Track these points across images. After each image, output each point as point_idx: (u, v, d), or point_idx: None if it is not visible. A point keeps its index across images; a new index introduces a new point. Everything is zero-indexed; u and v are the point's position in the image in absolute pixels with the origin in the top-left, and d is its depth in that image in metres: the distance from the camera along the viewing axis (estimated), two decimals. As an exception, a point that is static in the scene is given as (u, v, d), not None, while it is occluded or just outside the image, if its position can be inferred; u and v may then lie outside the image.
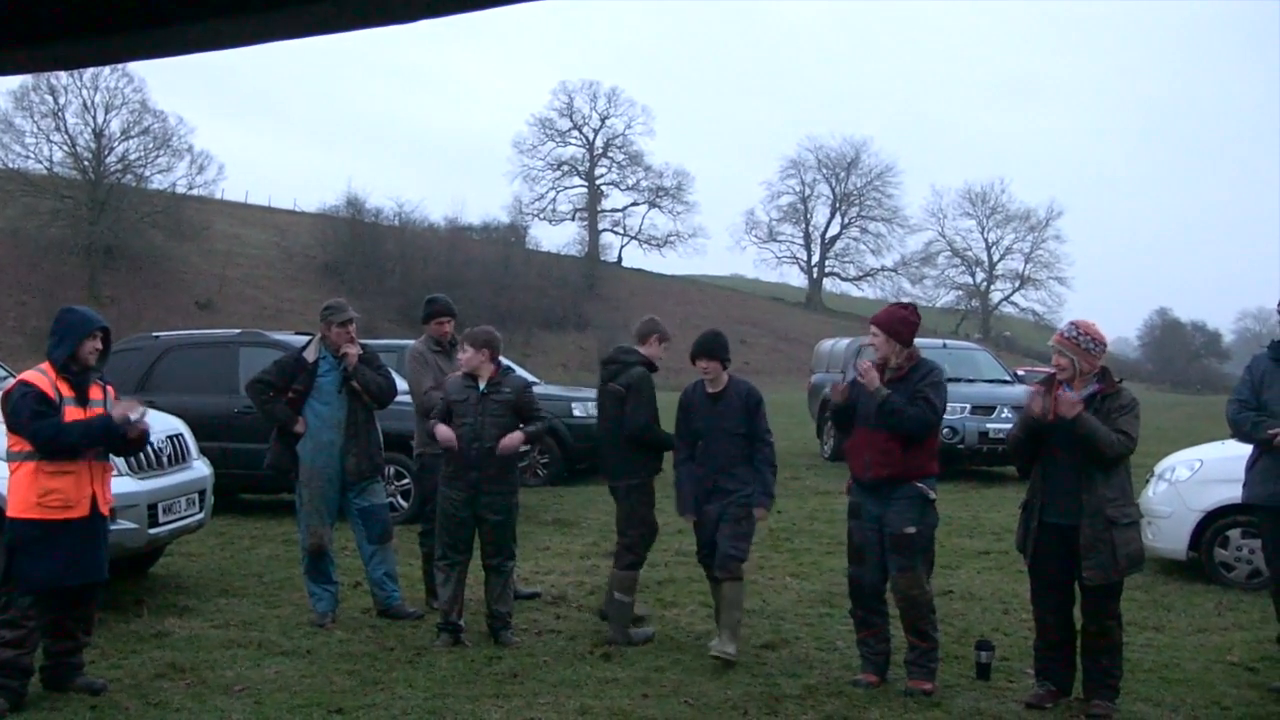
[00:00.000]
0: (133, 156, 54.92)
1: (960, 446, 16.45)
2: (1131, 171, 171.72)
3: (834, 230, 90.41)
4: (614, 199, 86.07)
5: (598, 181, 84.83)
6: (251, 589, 8.72)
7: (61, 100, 53.00)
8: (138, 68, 52.98)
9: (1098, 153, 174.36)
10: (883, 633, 6.55)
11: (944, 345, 20.40)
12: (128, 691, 6.11)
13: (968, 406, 16.78)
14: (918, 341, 6.70)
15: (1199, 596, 8.93)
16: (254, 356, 12.42)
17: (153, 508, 7.91)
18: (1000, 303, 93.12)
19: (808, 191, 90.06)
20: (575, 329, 65.72)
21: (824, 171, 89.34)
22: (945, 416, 6.86)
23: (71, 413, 5.97)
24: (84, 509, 5.98)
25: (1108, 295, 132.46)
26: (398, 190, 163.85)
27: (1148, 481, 10.02)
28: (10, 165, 52.70)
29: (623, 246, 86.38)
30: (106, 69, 52.57)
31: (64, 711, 5.80)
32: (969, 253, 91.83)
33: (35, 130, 53.31)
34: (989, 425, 16.82)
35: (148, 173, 55.44)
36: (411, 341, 9.52)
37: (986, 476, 17.40)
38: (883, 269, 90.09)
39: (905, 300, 7.16)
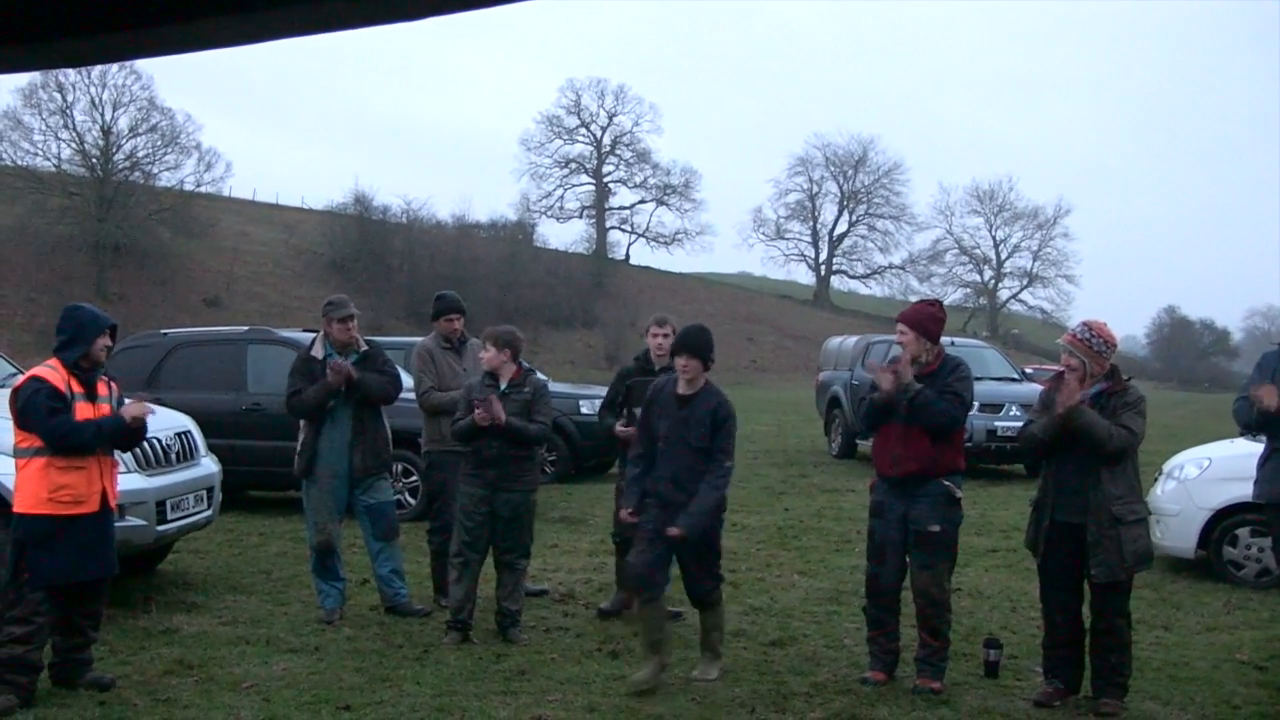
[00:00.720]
0: (140, 154, 54.98)
1: (968, 444, 16.35)
2: (1140, 169, 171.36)
3: (842, 228, 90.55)
4: (622, 196, 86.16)
5: (605, 179, 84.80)
6: (259, 586, 8.73)
7: (69, 97, 53.08)
8: (146, 65, 53.10)
9: (1106, 150, 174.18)
10: (893, 631, 6.53)
11: (952, 343, 20.33)
12: (136, 688, 6.12)
13: (976, 405, 16.72)
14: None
15: (1208, 595, 8.91)
16: (262, 354, 12.46)
17: (161, 505, 7.91)
18: (1008, 300, 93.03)
19: (815, 189, 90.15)
20: (583, 326, 65.72)
21: (832, 169, 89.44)
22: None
23: (82, 409, 5.99)
24: (94, 504, 6.00)
25: (1116, 293, 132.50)
26: (405, 188, 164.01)
27: (1156, 480, 10.01)
28: (18, 162, 52.76)
29: (630, 244, 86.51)
30: (114, 66, 52.65)
31: (73, 708, 5.81)
32: (977, 250, 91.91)
33: (43, 127, 53.38)
34: (997, 423, 16.79)
35: (155, 170, 55.50)
36: (419, 339, 9.51)
37: (995, 475, 17.39)
38: (890, 267, 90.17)
39: (932, 298, 7.09)
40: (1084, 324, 6.27)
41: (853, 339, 22.29)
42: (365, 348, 7.98)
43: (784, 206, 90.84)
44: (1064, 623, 6.20)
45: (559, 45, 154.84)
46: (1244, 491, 8.59)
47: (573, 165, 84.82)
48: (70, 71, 50.27)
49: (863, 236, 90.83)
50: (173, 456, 8.30)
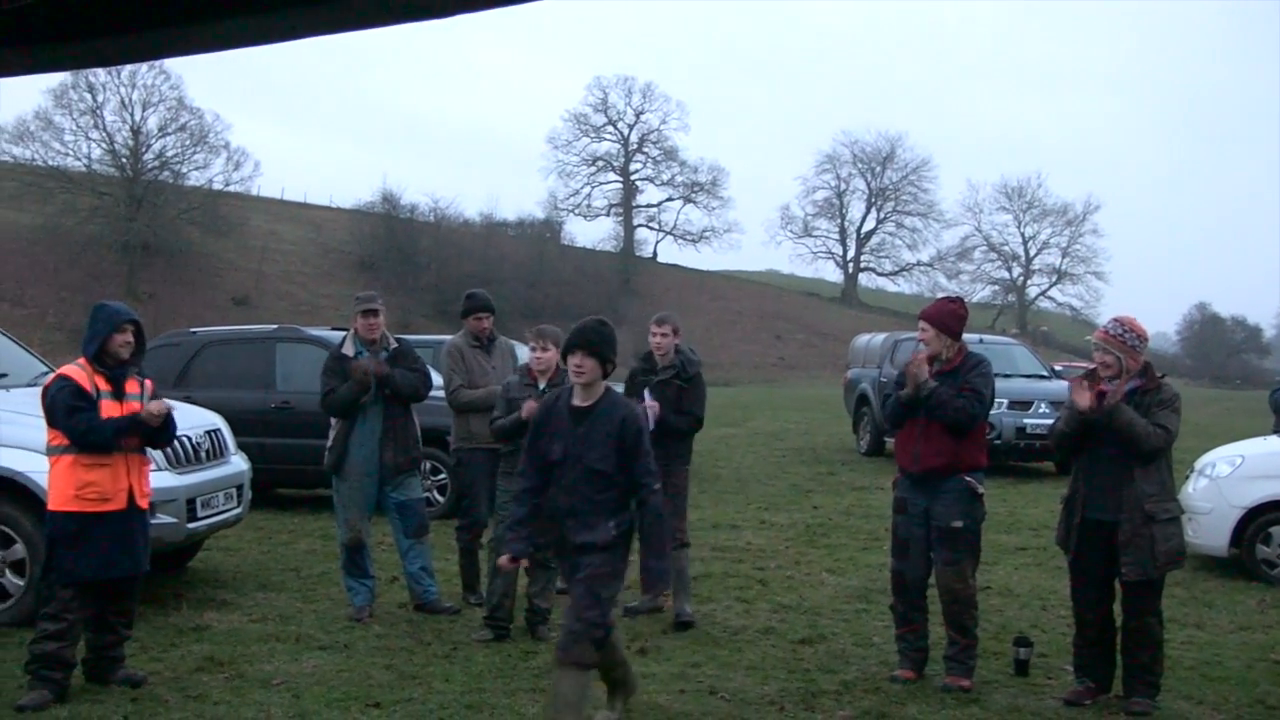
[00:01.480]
0: (170, 153, 55.49)
1: (998, 442, 16.33)
2: (1169, 164, 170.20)
3: (869, 225, 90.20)
4: (649, 194, 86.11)
5: (632, 177, 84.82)
6: (289, 583, 8.77)
7: (100, 98, 53.63)
8: (175, 65, 53.65)
9: (1136, 145, 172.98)
10: (922, 629, 6.51)
11: (980, 340, 20.24)
12: (168, 684, 6.16)
13: (1005, 402, 16.63)
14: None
15: (1240, 593, 8.84)
16: (290, 352, 12.53)
17: (191, 502, 7.96)
18: (1037, 297, 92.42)
19: (843, 186, 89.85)
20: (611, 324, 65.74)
21: (859, 166, 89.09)
22: (982, 412, 6.80)
23: (108, 407, 6.01)
24: (120, 502, 6.02)
25: (1146, 289, 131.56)
26: (432, 186, 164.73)
27: (1188, 477, 9.93)
28: (49, 162, 53.32)
29: (658, 242, 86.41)
30: (144, 66, 53.09)
31: (105, 704, 5.85)
32: (1005, 247, 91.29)
33: (74, 128, 53.98)
34: (1026, 420, 16.74)
35: (185, 169, 56.05)
36: (447, 337, 9.51)
37: (1024, 472, 17.31)
38: (919, 264, 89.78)
39: (954, 295, 7.06)
40: (1115, 320, 6.22)
41: (881, 336, 22.21)
42: (395, 345, 8.00)
43: (811, 204, 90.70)
44: (1095, 621, 6.15)
45: (586, 43, 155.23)
46: (1277, 489, 8.54)
47: (600, 163, 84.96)
48: (100, 71, 50.73)
49: (891, 233, 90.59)
50: (203, 454, 8.34)
